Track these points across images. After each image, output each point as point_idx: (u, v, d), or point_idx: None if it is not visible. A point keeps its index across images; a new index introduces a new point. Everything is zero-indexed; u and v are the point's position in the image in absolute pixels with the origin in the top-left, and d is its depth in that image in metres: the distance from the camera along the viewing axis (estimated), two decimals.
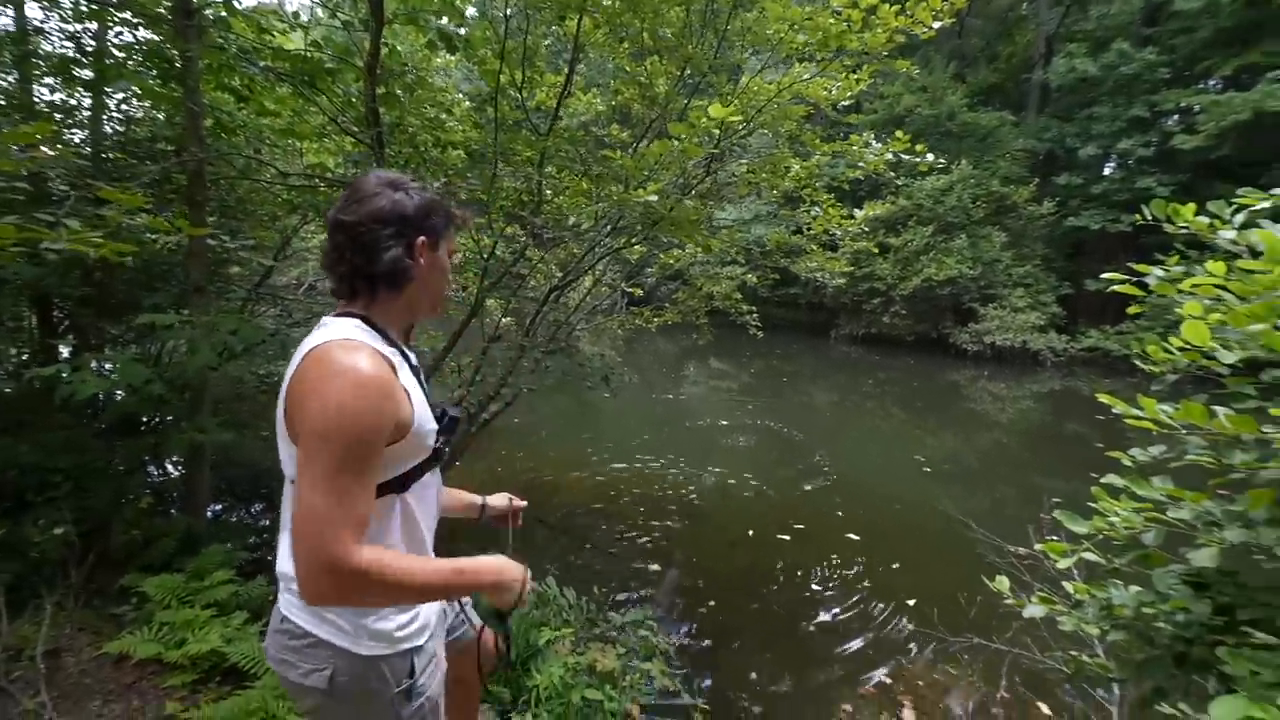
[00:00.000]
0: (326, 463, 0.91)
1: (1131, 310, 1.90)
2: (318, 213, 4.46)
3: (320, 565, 0.88)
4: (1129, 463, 1.58)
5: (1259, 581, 1.36)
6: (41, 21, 4.11)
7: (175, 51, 3.35)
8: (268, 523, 4.49)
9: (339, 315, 1.08)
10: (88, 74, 3.93)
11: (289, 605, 1.10)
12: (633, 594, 4.29)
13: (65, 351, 4.02)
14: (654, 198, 2.41)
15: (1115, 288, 1.69)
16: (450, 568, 1.05)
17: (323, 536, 0.88)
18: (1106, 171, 18.32)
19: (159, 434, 3.75)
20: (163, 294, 3.79)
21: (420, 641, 1.16)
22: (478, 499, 1.55)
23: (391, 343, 1.10)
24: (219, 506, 4.41)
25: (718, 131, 2.42)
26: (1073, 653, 1.82)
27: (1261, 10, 13.83)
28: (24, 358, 3.99)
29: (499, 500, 1.58)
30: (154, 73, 3.73)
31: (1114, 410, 1.55)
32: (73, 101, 4.14)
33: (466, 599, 1.44)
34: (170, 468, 4.36)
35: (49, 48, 4.12)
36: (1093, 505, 1.60)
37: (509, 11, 3.72)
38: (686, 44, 3.80)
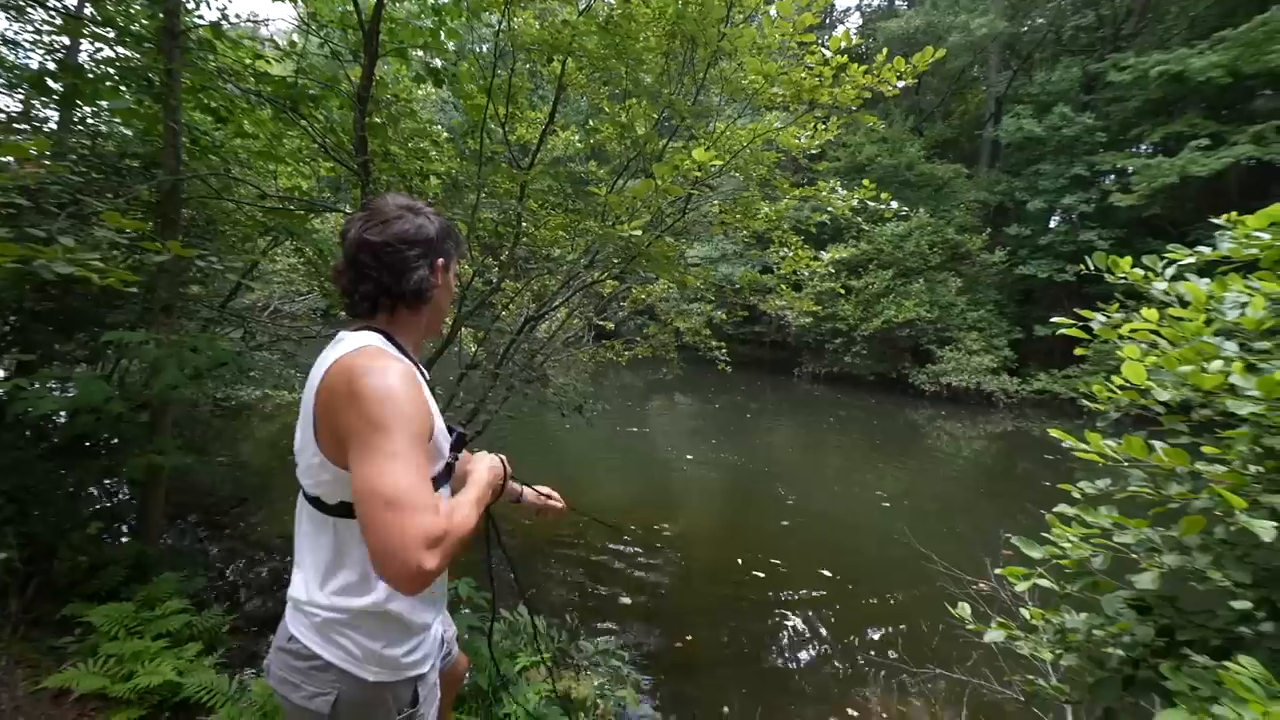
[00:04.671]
0: (394, 445, 0.89)
1: (1078, 353, 2.06)
2: (290, 235, 4.45)
3: (419, 542, 0.83)
4: (1078, 494, 1.70)
5: (1195, 605, 1.47)
6: (15, 33, 4.07)
7: (156, 70, 3.36)
8: (218, 550, 4.33)
9: (358, 330, 1.10)
10: (59, 87, 3.88)
11: (299, 625, 1.08)
12: (603, 624, 4.25)
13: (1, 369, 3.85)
14: (638, 233, 2.50)
15: (1062, 332, 1.84)
16: (474, 497, 1.07)
17: (414, 517, 0.84)
18: (1052, 224, 19.43)
19: (112, 455, 3.61)
20: (125, 311, 3.69)
21: (424, 670, 1.16)
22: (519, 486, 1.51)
23: (409, 358, 1.12)
24: (172, 532, 4.23)
25: (698, 173, 2.55)
26: (1029, 678, 1.90)
27: (1184, 86, 15.08)
28: None
29: (530, 494, 1.52)
30: (129, 90, 3.72)
31: (1063, 448, 1.68)
32: (39, 114, 4.07)
33: (453, 630, 1.44)
34: (122, 492, 4.17)
35: (15, 58, 4.07)
36: (1046, 536, 1.70)
37: (495, 49, 3.84)
38: (665, 89, 3.97)
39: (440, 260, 1.15)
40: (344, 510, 1.04)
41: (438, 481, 1.13)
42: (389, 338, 1.10)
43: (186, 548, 4.21)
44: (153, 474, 3.28)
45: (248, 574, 4.18)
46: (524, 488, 1.49)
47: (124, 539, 3.66)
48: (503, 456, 1.30)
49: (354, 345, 1.03)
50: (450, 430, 1.17)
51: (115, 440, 3.67)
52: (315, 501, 1.07)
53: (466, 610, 2.79)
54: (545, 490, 1.53)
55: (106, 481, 3.95)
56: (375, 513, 0.86)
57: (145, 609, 2.85)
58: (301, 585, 1.09)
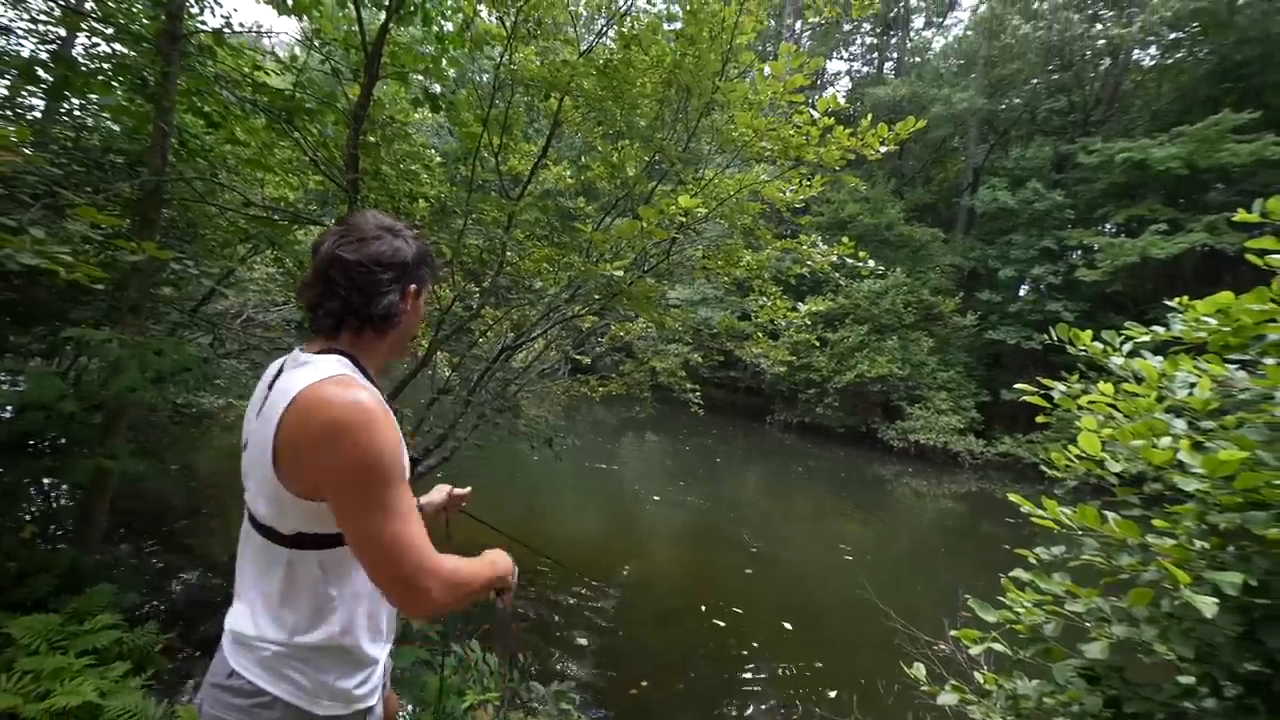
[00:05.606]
0: (383, 495, 0.93)
1: (1040, 420, 2.12)
2: (271, 244, 4.41)
3: (425, 578, 0.94)
4: (1034, 560, 1.73)
5: (1142, 676, 1.49)
6: (10, 20, 4.03)
7: (152, 71, 3.35)
8: (161, 565, 4.13)
9: (321, 351, 1.06)
10: (50, 77, 3.84)
11: (242, 659, 1.02)
12: (557, 664, 4.13)
13: None
14: (620, 273, 2.54)
15: (1026, 398, 1.90)
16: (484, 560, 1.15)
17: (417, 556, 0.94)
18: (1022, 292, 20.13)
19: (57, 456, 3.46)
20: (91, 308, 3.60)
21: (373, 703, 1.11)
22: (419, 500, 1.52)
23: (372, 382, 1.09)
24: (112, 542, 4.04)
25: (684, 219, 2.61)
26: None
27: (1146, 173, 15.98)
28: None
29: (437, 496, 1.56)
30: (122, 87, 3.71)
31: (1023, 512, 1.71)
32: (25, 101, 4.02)
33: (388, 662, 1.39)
34: (62, 495, 3.98)
35: (5, 44, 4.02)
36: (1002, 599, 1.72)
37: (495, 81, 3.92)
38: (658, 134, 4.09)
39: (413, 286, 1.13)
40: (298, 542, 1.00)
41: None
42: (354, 361, 1.07)
43: (126, 559, 4.01)
44: (99, 478, 3.15)
45: (190, 591, 3.98)
46: (422, 498, 1.49)
47: (60, 545, 3.48)
48: (515, 567, 1.31)
49: (322, 372, 0.99)
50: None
51: (63, 440, 3.53)
52: (268, 531, 1.02)
53: (417, 643, 2.70)
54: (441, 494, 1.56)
55: (46, 482, 3.77)
56: (382, 554, 0.94)
57: (73, 622, 2.69)
58: (247, 619, 1.03)
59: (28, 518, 3.60)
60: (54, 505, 3.95)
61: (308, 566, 1.01)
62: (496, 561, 1.22)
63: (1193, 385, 1.54)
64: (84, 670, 2.46)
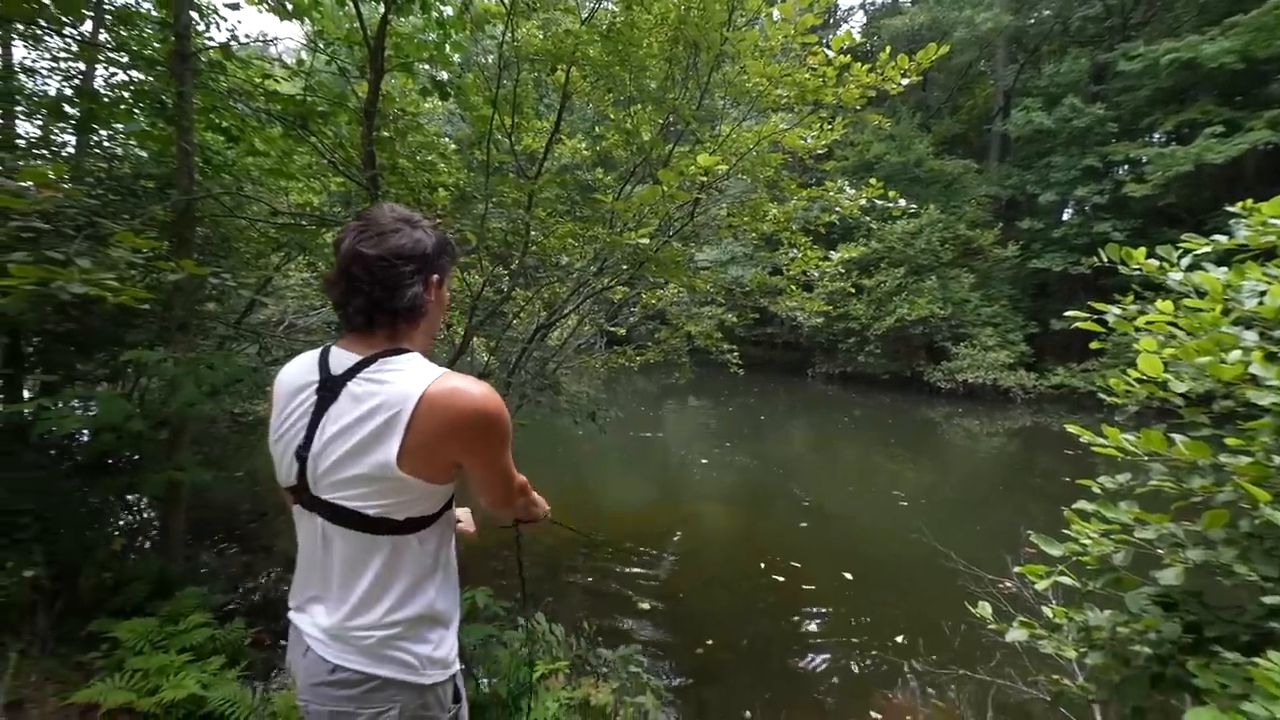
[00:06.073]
0: (510, 448, 1.16)
1: (1094, 346, 2.03)
2: (302, 250, 4.51)
3: (523, 493, 1.34)
4: (1098, 489, 1.67)
5: (1222, 600, 1.44)
6: (33, 62, 4.16)
7: (168, 93, 3.42)
8: (237, 568, 4.36)
9: (387, 353, 1.08)
10: (76, 112, 3.97)
11: (341, 653, 1.07)
12: (622, 630, 4.24)
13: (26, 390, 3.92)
14: (646, 240, 2.51)
15: (1078, 325, 1.81)
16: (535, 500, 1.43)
17: (519, 482, 1.29)
18: (1065, 217, 19.21)
19: (133, 472, 3.67)
20: (143, 330, 3.76)
21: (459, 666, 1.19)
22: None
23: None
24: (193, 548, 4.29)
25: (704, 178, 2.55)
26: (1054, 677, 1.87)
27: (1196, 73, 14.87)
28: None
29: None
30: (143, 113, 3.80)
31: (1082, 443, 1.65)
32: (57, 138, 4.16)
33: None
34: (144, 509, 4.23)
35: (32, 85, 4.16)
36: (1066, 533, 1.68)
37: (499, 60, 3.87)
38: (669, 94, 3.99)
39: (435, 275, 1.13)
40: (408, 527, 1.06)
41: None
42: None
43: (207, 563, 4.26)
44: (172, 490, 3.33)
45: (268, 587, 4.22)
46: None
47: (147, 555, 3.71)
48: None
49: (430, 371, 1.06)
50: None
51: (136, 457, 3.73)
52: (373, 523, 1.04)
53: (486, 618, 2.80)
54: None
55: (129, 498, 4.01)
56: (509, 486, 1.24)
57: (169, 624, 2.88)
58: (340, 614, 1.07)
59: (116, 532, 3.84)
60: (137, 519, 4.20)
61: (409, 546, 1.08)
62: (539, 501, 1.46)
63: (1263, 293, 1.45)
64: (185, 666, 2.64)
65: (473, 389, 1.05)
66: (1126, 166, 17.80)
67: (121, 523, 4.08)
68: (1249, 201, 1.62)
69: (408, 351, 1.09)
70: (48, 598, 2.91)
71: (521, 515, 1.40)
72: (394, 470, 1.01)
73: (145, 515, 4.22)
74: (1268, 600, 1.29)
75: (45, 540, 3.06)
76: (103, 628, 2.83)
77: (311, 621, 1.11)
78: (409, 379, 1.03)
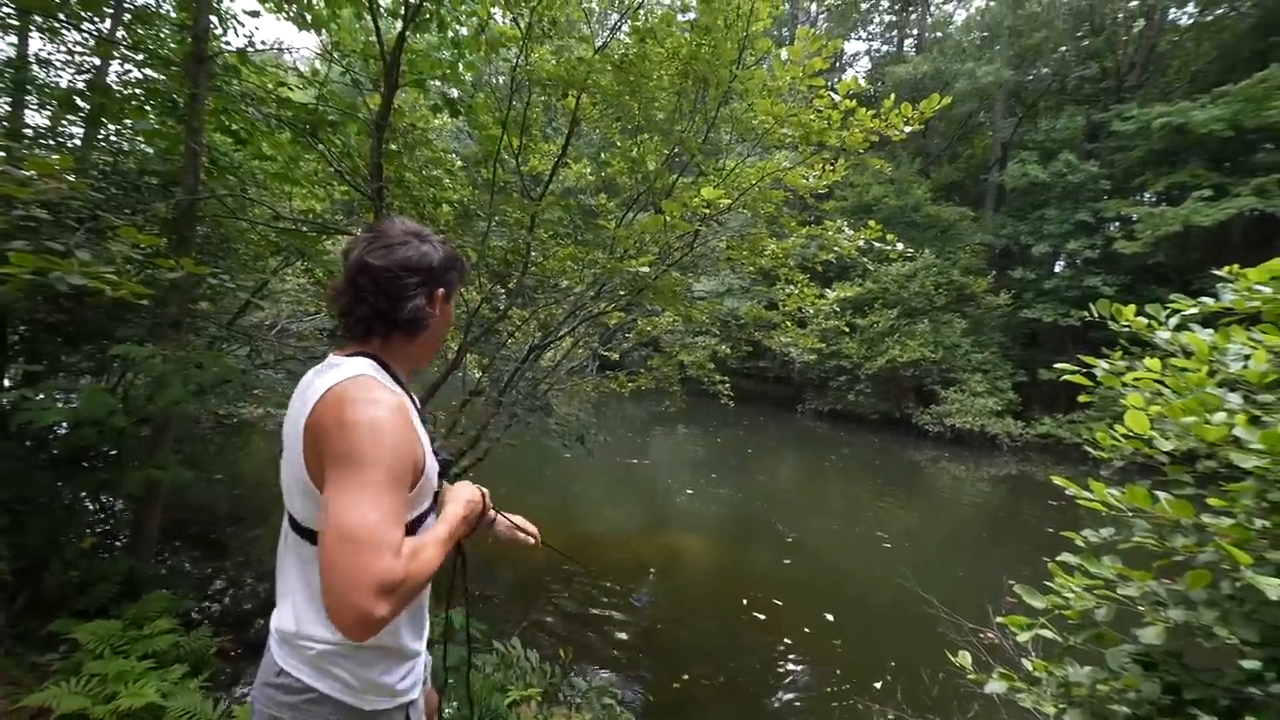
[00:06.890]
0: (367, 480, 0.89)
1: (1082, 399, 2.05)
2: (301, 255, 4.51)
3: (370, 588, 0.83)
4: (1081, 543, 1.67)
5: (1201, 662, 1.44)
6: (48, 54, 4.19)
7: (181, 93, 3.45)
8: (211, 570, 4.27)
9: (351, 354, 1.08)
10: (87, 106, 3.99)
11: (288, 658, 1.05)
12: (597, 659, 4.16)
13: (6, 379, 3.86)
14: (646, 269, 2.53)
15: (1066, 377, 1.83)
16: (444, 535, 1.05)
17: (371, 559, 0.84)
18: (1057, 269, 19.53)
19: (111, 469, 3.60)
20: (134, 325, 3.72)
21: (415, 696, 1.14)
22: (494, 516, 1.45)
23: (401, 386, 1.11)
24: (164, 550, 4.19)
25: (706, 210, 2.58)
26: None
27: (1186, 137, 15.32)
28: None
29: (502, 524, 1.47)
30: (154, 111, 3.83)
31: (1067, 494, 1.66)
32: (65, 130, 4.17)
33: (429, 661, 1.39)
34: (118, 507, 4.15)
35: (45, 77, 4.18)
36: (1049, 584, 1.67)
37: (511, 82, 3.94)
38: (676, 126, 4.06)
39: (440, 290, 1.13)
40: None
41: (425, 516, 1.11)
42: (383, 365, 1.09)
43: (178, 566, 4.16)
44: (151, 489, 3.27)
45: (239, 595, 4.13)
46: (498, 515, 1.38)
47: (117, 555, 3.63)
48: (483, 490, 1.26)
49: (347, 373, 1.01)
50: (435, 455, 1.14)
51: (115, 454, 3.66)
52: (305, 531, 1.04)
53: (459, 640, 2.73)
54: (519, 520, 1.42)
55: (103, 496, 3.93)
56: (332, 547, 0.86)
57: (133, 628, 2.80)
58: (291, 618, 1.05)
59: (88, 530, 3.76)
60: (111, 517, 4.11)
61: None
62: (458, 520, 1.11)
63: (1247, 357, 1.47)
64: (146, 673, 2.56)
65: (357, 394, 0.96)
66: (1118, 223, 18.20)
67: (94, 520, 3.99)
68: (1235, 266, 1.66)
69: (365, 356, 1.07)
70: (9, 593, 2.83)
71: (377, 611, 0.84)
72: (303, 474, 1.00)
73: (119, 513, 4.14)
74: (1247, 664, 1.29)
75: (12, 533, 2.99)
76: (64, 628, 2.74)
77: (276, 618, 1.09)
78: (328, 379, 1.00)
